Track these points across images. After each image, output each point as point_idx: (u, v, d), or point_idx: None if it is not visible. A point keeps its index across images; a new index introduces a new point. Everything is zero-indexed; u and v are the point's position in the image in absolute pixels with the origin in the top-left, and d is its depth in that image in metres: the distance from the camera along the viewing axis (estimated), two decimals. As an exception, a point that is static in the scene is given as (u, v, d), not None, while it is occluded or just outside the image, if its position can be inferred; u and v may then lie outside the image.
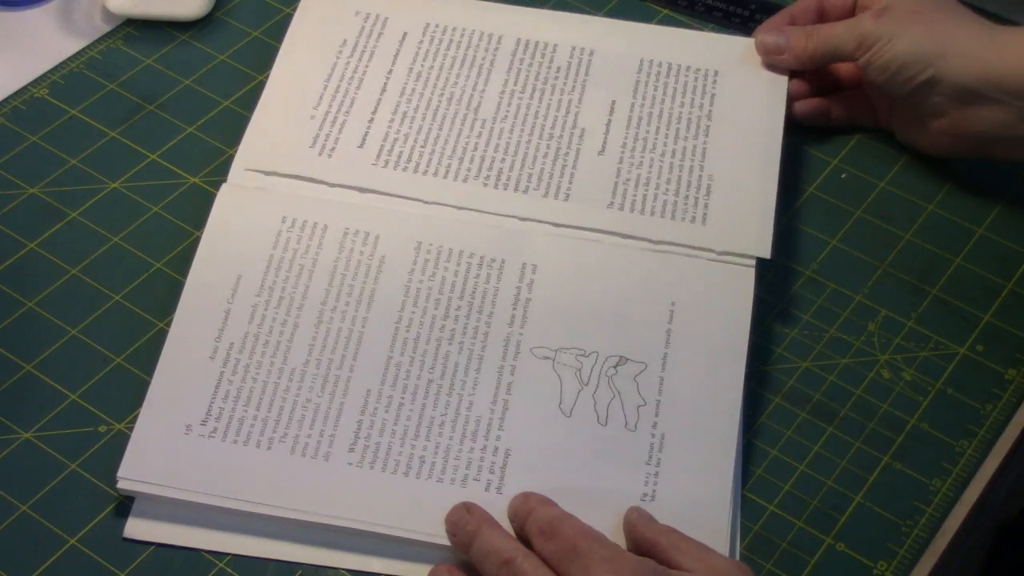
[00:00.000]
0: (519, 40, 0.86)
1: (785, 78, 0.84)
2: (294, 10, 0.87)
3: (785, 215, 0.80)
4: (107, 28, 0.88)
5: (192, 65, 0.86)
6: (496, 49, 0.85)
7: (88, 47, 0.87)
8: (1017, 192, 0.82)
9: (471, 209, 0.77)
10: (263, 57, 0.86)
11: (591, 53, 0.85)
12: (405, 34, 0.86)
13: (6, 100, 0.84)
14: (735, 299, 0.73)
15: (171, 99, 0.84)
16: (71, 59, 0.86)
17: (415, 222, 0.76)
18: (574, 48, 0.85)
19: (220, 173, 0.79)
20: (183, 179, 0.80)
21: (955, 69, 0.78)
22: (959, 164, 0.83)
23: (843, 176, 0.83)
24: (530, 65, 0.84)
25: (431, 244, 0.75)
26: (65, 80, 0.85)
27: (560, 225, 0.76)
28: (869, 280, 0.78)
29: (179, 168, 0.81)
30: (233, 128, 0.81)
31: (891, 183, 0.82)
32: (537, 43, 0.86)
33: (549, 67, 0.84)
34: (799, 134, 0.84)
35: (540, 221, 0.77)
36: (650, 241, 0.76)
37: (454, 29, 0.86)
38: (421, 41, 0.85)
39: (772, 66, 0.84)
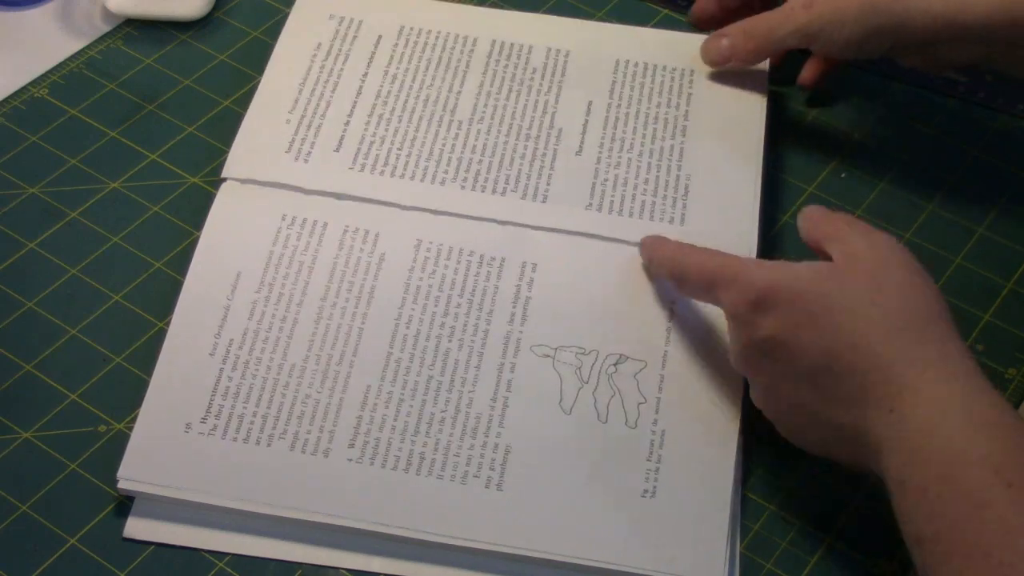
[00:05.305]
0: (494, 42, 0.85)
1: (765, 73, 0.84)
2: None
3: (785, 215, 0.80)
4: (107, 28, 0.88)
5: (192, 65, 0.86)
6: (471, 51, 0.85)
7: (88, 47, 0.87)
8: (1017, 192, 0.82)
9: (449, 213, 0.77)
10: (263, 57, 0.85)
11: (567, 54, 0.85)
12: (380, 37, 0.85)
13: (6, 100, 0.84)
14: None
15: (171, 99, 0.84)
16: (71, 59, 0.86)
17: (415, 220, 0.76)
18: (550, 49, 0.85)
19: (220, 173, 0.79)
20: (183, 179, 0.80)
21: (917, 30, 0.75)
22: (959, 164, 0.83)
23: (843, 176, 0.83)
24: (506, 67, 0.84)
25: (431, 242, 0.75)
26: (65, 80, 0.85)
27: (538, 228, 0.76)
28: (869, 280, 0.77)
29: (179, 168, 0.81)
30: (233, 128, 0.81)
31: (891, 183, 0.82)
32: (512, 45, 0.85)
33: (525, 68, 0.84)
34: (798, 134, 0.84)
35: (518, 224, 0.76)
36: (629, 243, 0.75)
37: (429, 31, 0.86)
38: (396, 44, 0.85)
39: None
